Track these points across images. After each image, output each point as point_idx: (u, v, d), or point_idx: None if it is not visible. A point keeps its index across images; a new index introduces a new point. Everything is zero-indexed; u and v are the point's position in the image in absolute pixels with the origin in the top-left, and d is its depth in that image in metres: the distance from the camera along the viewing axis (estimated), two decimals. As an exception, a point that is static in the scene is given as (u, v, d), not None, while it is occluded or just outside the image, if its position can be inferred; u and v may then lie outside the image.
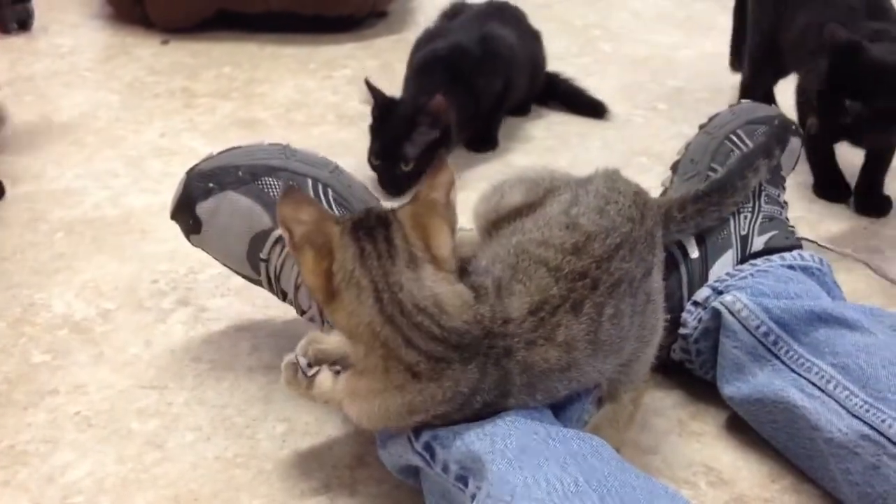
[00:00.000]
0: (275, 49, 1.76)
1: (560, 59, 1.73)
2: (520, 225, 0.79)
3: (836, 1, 1.28)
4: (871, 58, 1.11)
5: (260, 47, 1.77)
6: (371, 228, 0.69)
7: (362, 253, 0.68)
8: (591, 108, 1.52)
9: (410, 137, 1.27)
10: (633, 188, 0.83)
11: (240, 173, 0.90)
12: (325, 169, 0.94)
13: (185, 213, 0.91)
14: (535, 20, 1.93)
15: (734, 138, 1.05)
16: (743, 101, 1.13)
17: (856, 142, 1.21)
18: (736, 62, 1.58)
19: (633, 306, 0.75)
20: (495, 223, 0.84)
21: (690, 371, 0.92)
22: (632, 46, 1.83)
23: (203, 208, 0.89)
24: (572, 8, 2.04)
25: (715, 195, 0.93)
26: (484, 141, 1.43)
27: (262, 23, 1.81)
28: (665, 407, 0.90)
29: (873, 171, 1.25)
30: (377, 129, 1.30)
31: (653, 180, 1.08)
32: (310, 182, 0.91)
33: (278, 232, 0.88)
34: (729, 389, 0.87)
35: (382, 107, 1.29)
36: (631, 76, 1.69)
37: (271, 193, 0.89)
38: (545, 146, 1.44)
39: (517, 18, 1.56)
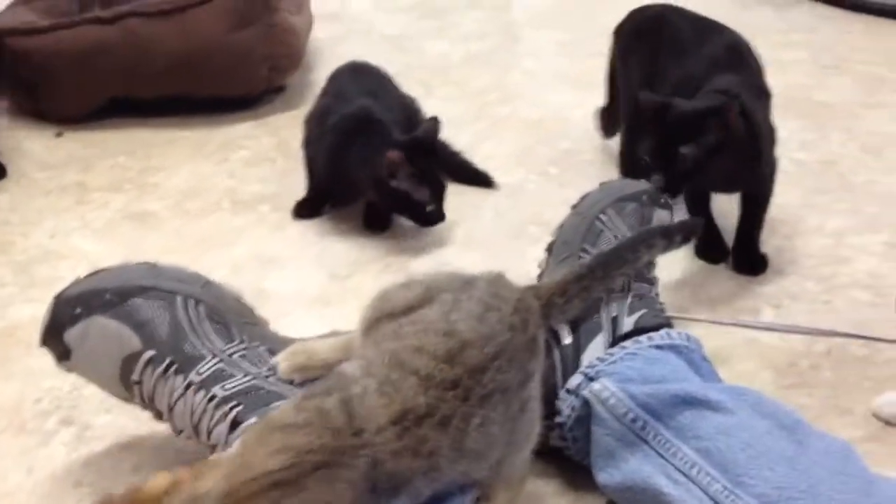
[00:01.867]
0: (170, 134, 1.76)
1: (456, 125, 1.75)
2: (399, 329, 0.80)
3: (700, 55, 1.33)
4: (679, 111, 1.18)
5: (155, 133, 1.76)
6: None
7: None
8: (479, 180, 1.54)
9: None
10: (516, 294, 0.84)
11: (107, 296, 0.90)
12: (196, 284, 0.94)
13: (54, 339, 0.90)
14: (435, 85, 1.98)
15: (603, 218, 1.08)
16: (614, 179, 1.17)
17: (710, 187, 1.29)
18: (609, 127, 1.62)
19: (506, 415, 0.77)
20: (378, 327, 0.85)
21: (570, 457, 0.94)
22: (526, 108, 1.87)
23: (71, 335, 0.89)
24: (469, 71, 2.07)
25: (599, 269, 0.94)
26: (381, 218, 1.44)
27: (157, 107, 1.81)
28: (546, 494, 0.92)
29: (748, 229, 1.30)
30: None
31: (542, 252, 1.10)
32: (179, 299, 0.91)
33: (149, 353, 0.88)
34: (602, 477, 0.89)
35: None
36: (525, 140, 1.73)
37: (140, 315, 0.90)
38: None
39: (393, 84, 1.57)
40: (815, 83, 1.95)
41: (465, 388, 0.73)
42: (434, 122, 1.39)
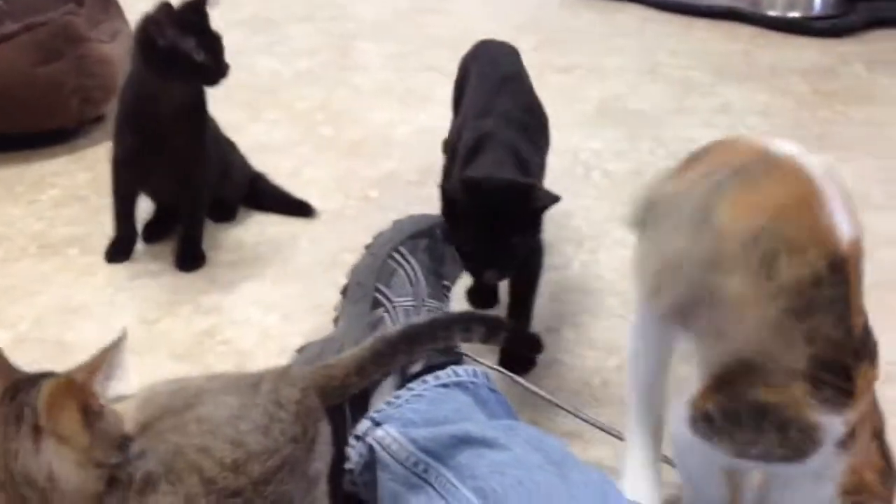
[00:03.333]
0: (-21, 174, 1.70)
1: (280, 150, 1.76)
2: (184, 426, 0.78)
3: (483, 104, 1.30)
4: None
5: (-37, 175, 1.70)
6: (20, 390, 0.69)
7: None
8: (298, 210, 1.54)
9: None
10: (297, 396, 0.83)
11: None
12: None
13: None
14: (262, 107, 1.97)
15: (397, 256, 1.10)
16: (408, 215, 1.18)
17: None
18: None
19: None
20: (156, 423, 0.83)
21: (363, 501, 0.96)
22: (351, 128, 1.88)
23: None
24: (298, 90, 2.07)
25: (404, 345, 0.92)
26: (191, 257, 1.43)
27: (-34, 147, 1.74)
28: (340, 540, 0.94)
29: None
30: None
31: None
32: None
33: None
34: (388, 521, 0.91)
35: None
36: (347, 162, 1.74)
37: None
38: (255, 254, 1.46)
39: None
40: (631, 90, 2.02)
41: (246, 499, 0.73)
42: None
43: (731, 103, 1.94)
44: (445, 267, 1.12)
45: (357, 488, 0.95)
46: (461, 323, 0.96)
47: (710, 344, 0.81)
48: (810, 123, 1.82)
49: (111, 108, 1.87)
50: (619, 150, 1.75)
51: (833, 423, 0.77)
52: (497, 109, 1.26)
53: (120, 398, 0.92)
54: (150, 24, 1.27)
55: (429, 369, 0.99)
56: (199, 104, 1.38)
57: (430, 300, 1.08)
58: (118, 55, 1.88)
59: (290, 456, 0.77)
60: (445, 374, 0.97)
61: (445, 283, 1.12)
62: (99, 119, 1.87)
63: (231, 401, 0.80)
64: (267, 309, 1.32)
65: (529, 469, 0.85)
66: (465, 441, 0.89)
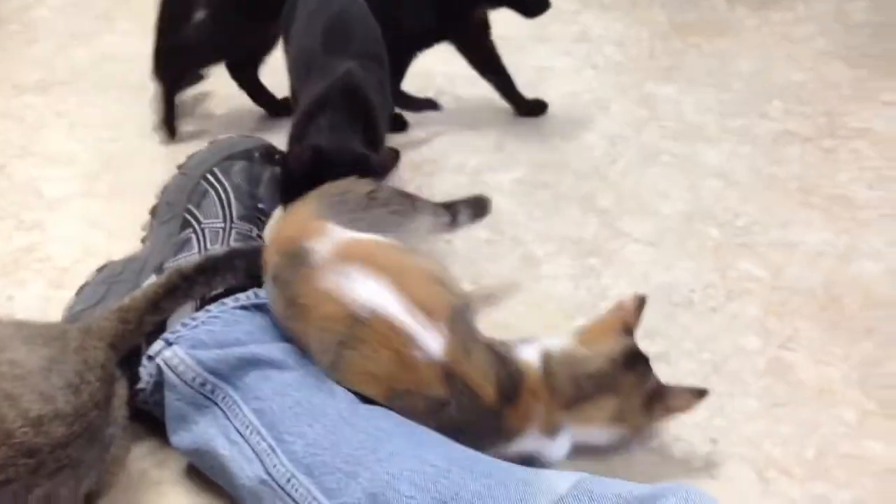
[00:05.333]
0: None
1: (131, 61, 1.71)
2: None
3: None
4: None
5: None
6: None
7: None
8: None
9: None
10: (102, 358, 0.84)
11: None
12: None
13: None
14: (115, 18, 1.89)
15: (210, 177, 1.10)
16: (225, 136, 1.17)
17: None
18: None
19: (77, 486, 0.77)
20: None
21: (157, 419, 0.97)
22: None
23: None
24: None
25: (202, 277, 0.94)
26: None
27: None
28: (135, 458, 0.94)
29: None
30: None
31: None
32: None
33: None
34: (175, 439, 0.92)
35: None
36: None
37: None
38: (89, 169, 1.43)
39: None
40: (496, 16, 1.99)
41: (39, 460, 0.72)
42: None
43: (589, 31, 1.95)
44: (260, 190, 1.12)
45: (150, 407, 0.96)
46: (261, 255, 0.96)
47: None
48: (662, 55, 1.85)
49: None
50: (473, 75, 1.73)
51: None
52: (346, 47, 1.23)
53: None
54: None
55: (230, 291, 1.00)
56: None
57: (241, 222, 1.08)
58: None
59: (92, 422, 0.77)
60: (245, 296, 0.98)
61: (261, 206, 1.12)
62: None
63: (42, 351, 0.79)
64: (92, 226, 1.30)
65: (309, 390, 0.88)
66: (252, 363, 0.90)
